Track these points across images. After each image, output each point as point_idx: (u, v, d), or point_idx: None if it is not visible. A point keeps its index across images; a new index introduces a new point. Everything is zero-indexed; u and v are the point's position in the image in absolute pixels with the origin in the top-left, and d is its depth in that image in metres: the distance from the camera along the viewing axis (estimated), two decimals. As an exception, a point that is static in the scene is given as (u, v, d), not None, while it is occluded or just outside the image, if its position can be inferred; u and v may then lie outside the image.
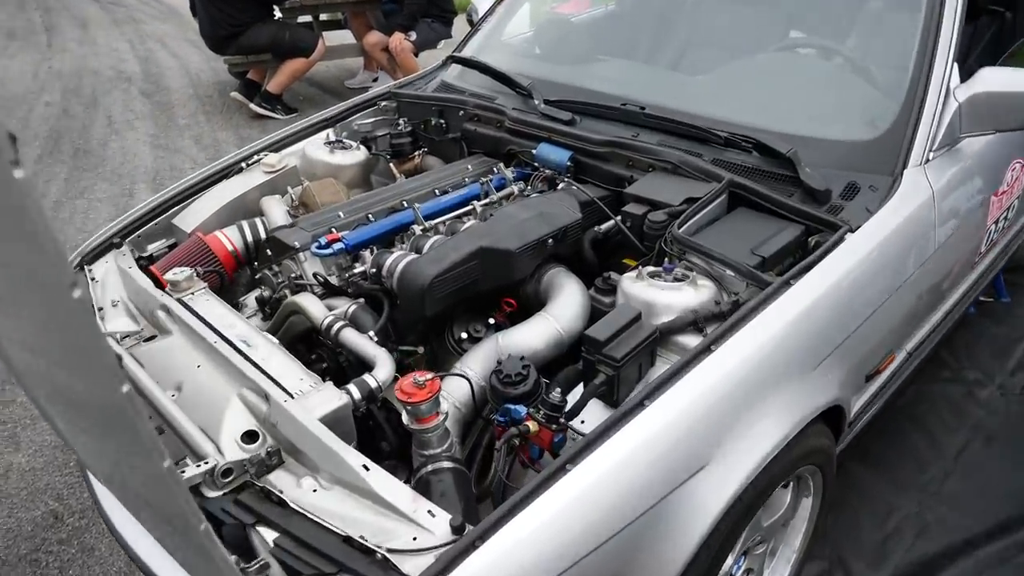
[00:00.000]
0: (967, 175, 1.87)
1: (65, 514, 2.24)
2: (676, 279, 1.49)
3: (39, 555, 2.12)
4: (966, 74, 1.81)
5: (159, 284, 1.73)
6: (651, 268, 1.53)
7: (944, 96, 1.76)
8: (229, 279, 1.94)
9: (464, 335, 1.61)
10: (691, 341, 1.39)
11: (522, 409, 1.31)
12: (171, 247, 2.05)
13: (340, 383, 1.63)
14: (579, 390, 1.38)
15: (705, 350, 1.31)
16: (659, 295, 1.44)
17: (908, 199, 1.67)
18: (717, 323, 1.41)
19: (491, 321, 1.65)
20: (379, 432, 1.55)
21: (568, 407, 1.30)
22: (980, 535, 2.09)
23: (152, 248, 2.03)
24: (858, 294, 1.53)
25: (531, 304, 1.69)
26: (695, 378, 1.26)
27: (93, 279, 1.83)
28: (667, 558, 1.23)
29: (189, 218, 2.02)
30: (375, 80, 6.00)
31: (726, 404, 1.28)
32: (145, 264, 1.99)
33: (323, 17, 5.93)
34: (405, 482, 1.23)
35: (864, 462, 2.32)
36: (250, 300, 1.89)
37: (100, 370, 0.70)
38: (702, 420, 1.24)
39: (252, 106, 5.31)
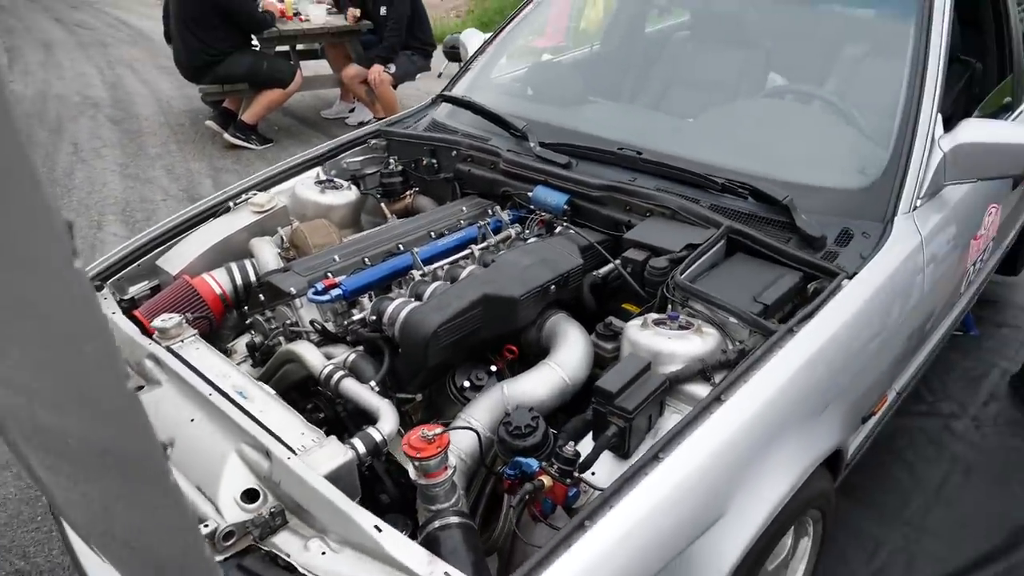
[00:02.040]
0: (949, 221, 1.91)
1: (32, 573, 2.14)
2: (681, 327, 1.49)
3: (6, 617, 2.02)
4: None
5: (144, 330, 1.68)
6: (656, 316, 1.53)
7: (930, 145, 1.81)
8: (217, 324, 1.90)
9: (467, 383, 1.59)
10: (700, 390, 1.39)
11: (534, 463, 1.29)
12: (154, 290, 1.99)
13: (338, 434, 1.61)
14: (587, 441, 1.37)
15: (715, 400, 1.31)
16: (666, 344, 1.43)
17: (899, 245, 1.70)
18: (724, 371, 1.41)
19: (493, 369, 1.63)
20: (379, 484, 1.52)
21: (581, 462, 1.29)
22: (967, 566, 2.13)
23: (134, 291, 1.97)
24: (856, 339, 1.55)
25: (533, 351, 1.68)
26: (707, 429, 1.26)
27: (77, 324, 1.77)
28: (684, 614, 1.22)
29: (174, 259, 1.97)
30: (351, 110, 5.99)
31: (738, 455, 1.28)
32: (127, 308, 1.94)
33: (300, 47, 5.92)
34: (410, 535, 1.21)
35: (849, 497, 2.34)
36: (239, 345, 1.84)
37: (127, 421, 0.67)
38: (716, 472, 1.24)
39: (226, 136, 5.25)
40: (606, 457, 1.32)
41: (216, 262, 1.99)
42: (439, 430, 1.29)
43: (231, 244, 2.04)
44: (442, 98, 2.54)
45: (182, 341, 1.62)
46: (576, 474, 1.26)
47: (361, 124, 5.39)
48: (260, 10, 5.09)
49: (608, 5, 3.44)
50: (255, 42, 5.25)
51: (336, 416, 1.60)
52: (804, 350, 1.42)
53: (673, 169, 1.89)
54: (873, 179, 1.80)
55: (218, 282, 1.90)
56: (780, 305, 1.56)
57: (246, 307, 1.87)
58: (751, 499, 1.27)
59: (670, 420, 1.36)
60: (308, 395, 1.66)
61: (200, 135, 5.48)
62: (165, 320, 1.64)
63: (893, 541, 2.23)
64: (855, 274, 1.59)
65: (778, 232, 1.73)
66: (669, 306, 1.60)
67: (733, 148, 1.99)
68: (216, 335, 1.97)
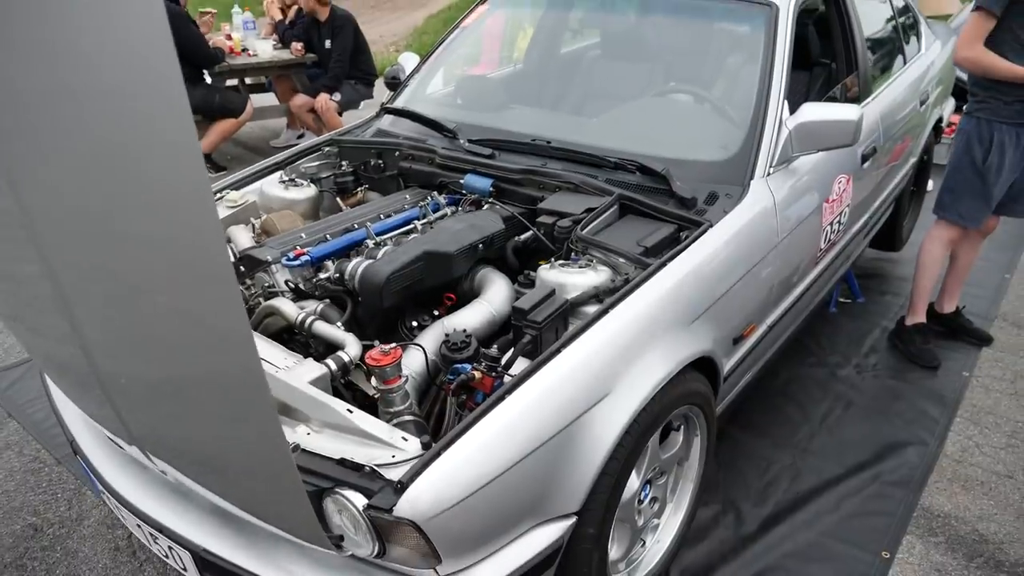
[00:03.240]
0: (801, 185, 2.39)
1: (44, 525, 2.44)
2: (581, 267, 1.91)
3: (24, 561, 2.31)
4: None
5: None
6: (562, 261, 1.95)
7: (778, 125, 2.29)
8: (204, 296, 2.25)
9: (415, 323, 1.98)
10: (593, 310, 1.81)
11: (467, 366, 1.69)
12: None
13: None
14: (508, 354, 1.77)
15: (603, 312, 1.73)
16: (568, 277, 1.86)
17: (754, 203, 2.16)
18: (615, 296, 1.84)
19: (435, 313, 2.03)
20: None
21: (503, 363, 1.69)
22: (840, 475, 2.57)
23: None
24: (719, 272, 2.00)
25: (468, 297, 2.08)
26: (596, 331, 1.68)
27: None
28: (580, 471, 1.62)
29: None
30: (300, 137, 6.36)
31: (620, 349, 1.69)
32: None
33: (249, 81, 6.28)
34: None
35: (747, 429, 2.79)
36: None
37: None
38: (602, 361, 1.65)
39: (182, 165, 5.55)
40: (522, 362, 1.73)
41: (198, 250, 2.34)
42: (393, 345, 1.67)
43: (210, 235, 2.40)
44: (385, 110, 2.95)
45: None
46: (500, 370, 1.66)
47: (311, 150, 5.75)
48: (211, 47, 5.45)
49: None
50: (207, 77, 5.60)
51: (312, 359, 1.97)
52: (674, 276, 1.86)
53: (576, 153, 2.33)
54: (733, 152, 2.26)
55: (202, 263, 2.25)
56: (659, 249, 1.99)
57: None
58: (632, 381, 1.68)
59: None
60: (286, 344, 2.02)
61: (157, 166, 5.77)
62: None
63: (782, 460, 2.67)
64: (717, 223, 2.04)
65: (660, 197, 2.17)
66: (572, 254, 2.02)
67: (625, 136, 2.44)
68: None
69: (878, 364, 3.28)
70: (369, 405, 1.70)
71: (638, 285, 1.80)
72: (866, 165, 2.86)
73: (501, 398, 1.52)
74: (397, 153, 2.65)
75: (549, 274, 1.89)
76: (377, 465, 1.44)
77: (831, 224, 2.64)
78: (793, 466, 2.64)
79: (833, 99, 2.92)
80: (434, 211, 2.38)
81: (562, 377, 1.58)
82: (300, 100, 5.79)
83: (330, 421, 1.56)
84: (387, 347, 1.66)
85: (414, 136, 2.72)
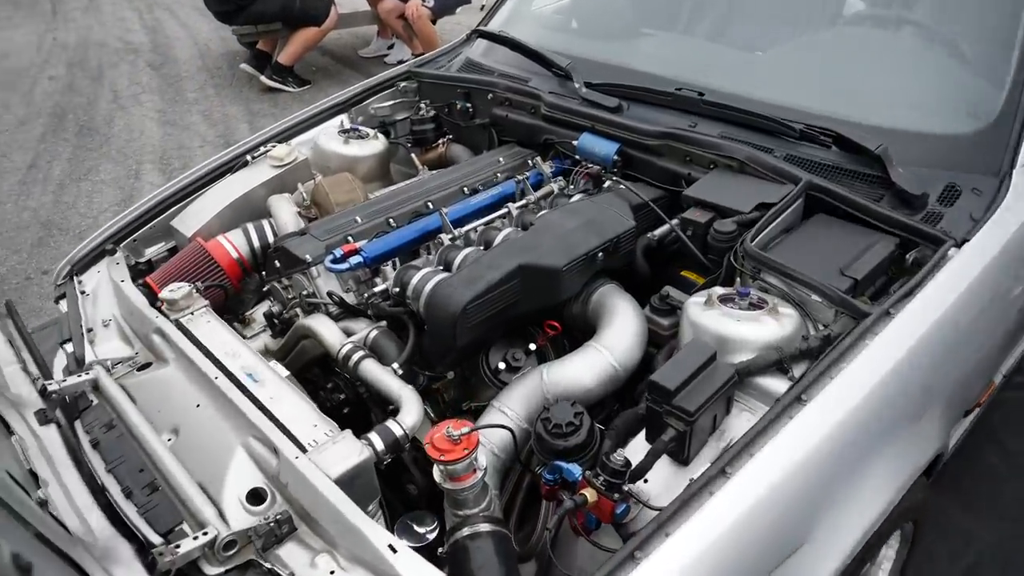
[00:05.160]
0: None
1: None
2: (752, 305, 1.27)
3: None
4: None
5: (156, 299, 1.53)
6: (722, 291, 1.31)
7: (1059, 81, 1.51)
8: (235, 289, 1.74)
9: (502, 365, 1.40)
10: (776, 385, 1.17)
11: (576, 470, 1.11)
12: (172, 251, 1.85)
13: (359, 415, 1.46)
14: (640, 439, 1.18)
15: (796, 400, 1.10)
16: (735, 327, 1.21)
17: (1020, 204, 1.42)
18: (805, 362, 1.19)
19: (532, 347, 1.44)
20: (406, 473, 1.36)
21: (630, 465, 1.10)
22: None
23: (150, 252, 1.84)
24: (967, 322, 1.30)
25: (578, 325, 1.48)
26: (786, 439, 1.05)
27: (83, 292, 1.63)
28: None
29: (189, 220, 1.81)
30: (390, 47, 5.74)
31: (823, 470, 1.07)
32: (144, 270, 1.80)
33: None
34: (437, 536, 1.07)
35: (936, 484, 2.11)
36: (258, 314, 1.69)
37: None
38: (796, 492, 1.03)
39: (263, 79, 5.07)
40: (662, 463, 1.13)
41: (234, 221, 1.82)
42: (466, 429, 1.11)
43: (250, 201, 1.87)
44: (477, 33, 2.29)
45: (191, 314, 1.47)
46: (625, 487, 1.07)
47: (401, 62, 5.13)
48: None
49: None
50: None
51: (357, 397, 1.44)
52: (905, 338, 1.19)
53: (741, 113, 1.63)
54: (986, 123, 1.51)
55: (234, 245, 1.73)
56: (872, 279, 1.32)
57: (264, 272, 1.70)
58: (837, 524, 1.06)
59: (739, 422, 1.15)
60: (330, 371, 1.50)
61: (237, 78, 5.31)
62: (173, 290, 1.48)
63: (985, 537, 1.99)
64: (965, 240, 1.33)
65: (868, 188, 1.47)
66: (737, 278, 1.37)
67: (812, 86, 1.71)
68: (238, 299, 1.82)
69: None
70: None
71: (849, 352, 1.15)
72: None
73: (632, 557, 0.94)
74: (491, 96, 2.02)
75: (704, 317, 1.25)
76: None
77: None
78: (1000, 547, 1.95)
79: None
80: (535, 186, 1.75)
81: (734, 524, 0.98)
82: (389, 4, 5.12)
83: (364, 558, 1.03)
84: (456, 431, 1.10)
85: (513, 73, 2.06)
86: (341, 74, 5.48)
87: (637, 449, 1.16)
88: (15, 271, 3.12)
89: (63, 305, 1.63)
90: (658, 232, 1.57)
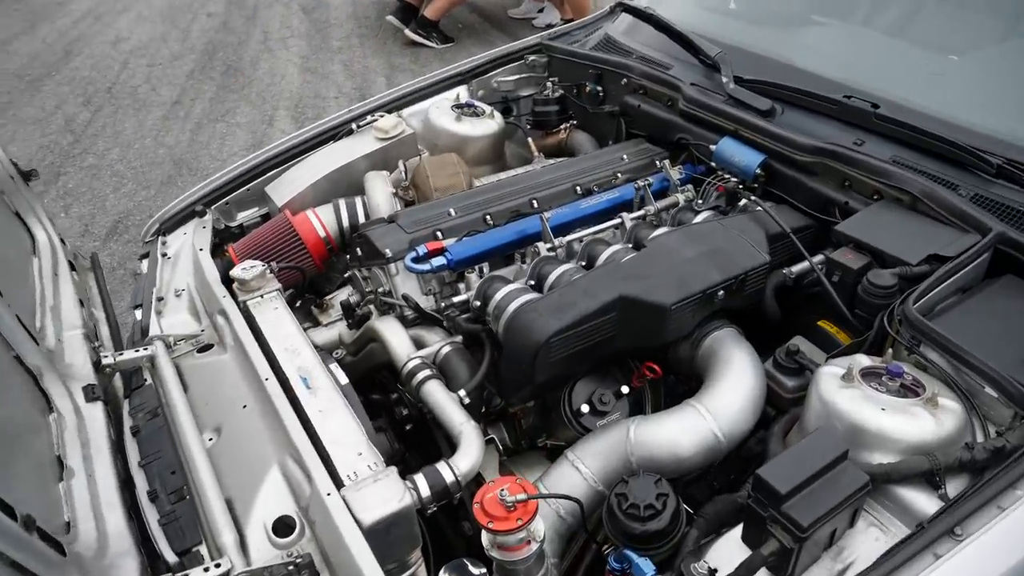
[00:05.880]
0: None
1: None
2: (905, 388, 1.00)
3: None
4: None
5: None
6: (867, 362, 1.04)
7: None
8: (317, 270, 1.63)
9: (585, 407, 1.20)
10: (920, 502, 0.92)
11: (649, 569, 0.92)
12: (265, 217, 1.76)
13: (422, 437, 1.31)
14: (734, 536, 0.95)
15: (947, 534, 0.84)
16: (879, 419, 0.96)
17: None
18: (965, 478, 0.92)
19: (624, 391, 1.23)
20: (461, 509, 1.21)
21: (716, 573, 0.88)
22: None
23: (243, 217, 1.76)
24: None
25: (683, 370, 1.26)
26: (930, 587, 0.80)
27: (165, 255, 1.57)
28: None
29: (283, 188, 1.71)
30: (540, 11, 5.51)
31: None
32: (237, 234, 1.73)
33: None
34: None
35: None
36: (336, 300, 1.57)
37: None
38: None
39: (407, 32, 4.99)
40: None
41: (329, 194, 1.71)
42: (523, 496, 0.93)
43: (348, 174, 1.74)
44: (621, 7, 2.04)
45: (261, 296, 1.36)
46: (706, 605, 0.86)
47: (549, 27, 4.91)
48: None
49: None
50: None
51: (422, 416, 1.29)
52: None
53: (922, 135, 1.32)
54: None
55: (322, 222, 1.62)
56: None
57: (348, 257, 1.58)
58: None
59: (865, 541, 0.91)
60: (398, 379, 1.36)
61: (383, 29, 5.26)
62: (246, 269, 1.37)
63: None
64: None
65: (1080, 248, 1.15)
66: (889, 348, 1.10)
67: (1022, 107, 1.37)
68: (325, 278, 1.72)
69: None
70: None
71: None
72: None
73: None
74: (624, 81, 1.79)
75: (840, 395, 1.00)
76: None
77: None
78: None
79: None
80: (657, 195, 1.51)
81: None
82: (543, -36, 4.89)
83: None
84: (512, 497, 0.92)
85: (654, 57, 1.82)
86: (487, 33, 5.32)
87: (729, 547, 0.95)
88: (141, 207, 3.21)
89: (144, 265, 1.57)
90: (796, 269, 1.31)
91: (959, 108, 1.37)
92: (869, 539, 0.92)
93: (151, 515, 1.06)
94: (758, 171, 1.45)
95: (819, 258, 1.28)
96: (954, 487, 0.92)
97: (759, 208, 1.37)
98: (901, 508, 0.93)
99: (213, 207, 1.69)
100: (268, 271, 1.39)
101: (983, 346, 1.02)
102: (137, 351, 1.29)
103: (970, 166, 1.27)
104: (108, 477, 1.09)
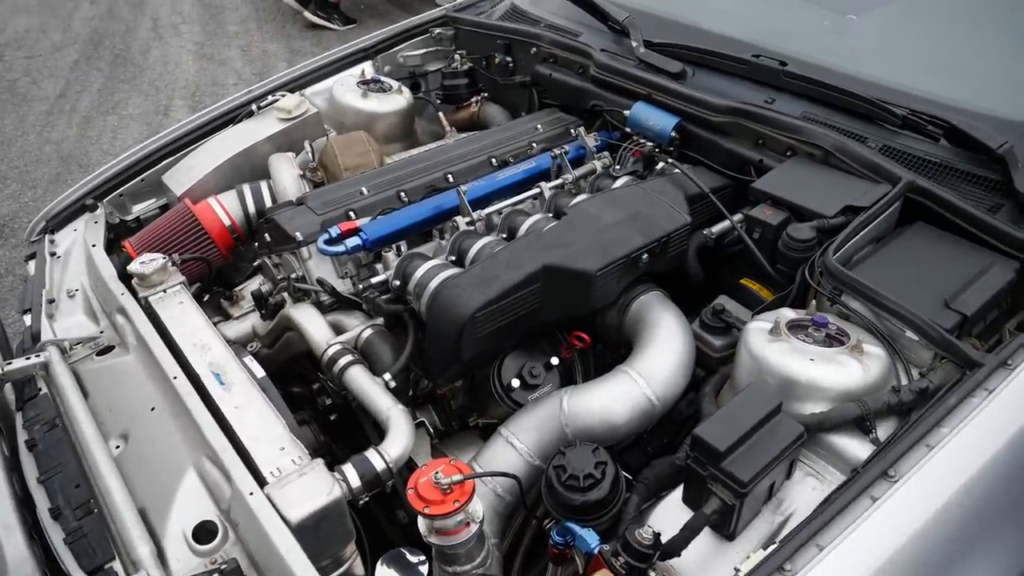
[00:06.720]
0: None
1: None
2: (830, 338, 1.01)
3: None
4: None
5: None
6: (792, 315, 1.05)
7: None
8: (224, 260, 1.54)
9: (516, 382, 1.17)
10: (853, 448, 0.93)
11: (591, 539, 0.89)
12: (163, 209, 1.65)
13: (348, 426, 1.25)
14: (675, 497, 0.94)
15: (882, 476, 0.85)
16: (808, 369, 0.96)
17: None
18: (893, 420, 0.94)
19: (554, 361, 1.20)
20: (396, 498, 1.16)
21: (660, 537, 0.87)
22: None
23: (139, 210, 1.65)
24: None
25: (611, 337, 1.24)
26: (865, 532, 0.81)
27: (54, 254, 1.45)
28: None
29: (181, 176, 1.61)
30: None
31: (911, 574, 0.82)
32: (133, 229, 1.61)
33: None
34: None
35: None
36: (248, 291, 1.49)
37: None
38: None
39: (307, 14, 4.81)
40: (702, 533, 0.90)
41: (232, 180, 1.61)
42: (459, 476, 0.89)
43: (251, 157, 1.65)
44: (526, -24, 2.00)
45: (164, 291, 1.27)
46: (652, 570, 0.84)
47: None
48: None
49: None
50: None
51: (347, 404, 1.23)
52: (1025, 395, 0.92)
53: (830, 90, 1.34)
54: None
55: (226, 209, 1.53)
56: (983, 315, 1.04)
57: (256, 244, 1.50)
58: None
59: (803, 490, 0.92)
60: (319, 369, 1.29)
61: (281, 12, 5.06)
62: (145, 263, 1.27)
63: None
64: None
65: (984, 195, 1.19)
66: (812, 300, 1.11)
67: (922, 62, 1.41)
68: (233, 268, 1.63)
69: None
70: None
71: (954, 414, 0.89)
72: None
73: None
74: (534, 50, 1.76)
75: (768, 349, 1.00)
76: None
77: None
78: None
79: None
80: (574, 163, 1.49)
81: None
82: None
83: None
84: (447, 479, 0.88)
85: (562, 25, 1.79)
86: (390, 14, 5.18)
87: (671, 509, 0.94)
88: (27, 208, 2.99)
89: (32, 267, 1.44)
90: (717, 229, 1.31)
91: (863, 64, 1.40)
92: (807, 488, 0.93)
93: (55, 534, 0.97)
94: (673, 134, 1.44)
95: (738, 216, 1.28)
96: (884, 430, 0.94)
97: (677, 170, 1.37)
98: (835, 455, 0.94)
99: (105, 200, 1.57)
100: (170, 264, 1.29)
101: (901, 292, 1.04)
102: (28, 359, 1.18)
103: (877, 118, 1.30)
104: (3, 497, 0.99)
